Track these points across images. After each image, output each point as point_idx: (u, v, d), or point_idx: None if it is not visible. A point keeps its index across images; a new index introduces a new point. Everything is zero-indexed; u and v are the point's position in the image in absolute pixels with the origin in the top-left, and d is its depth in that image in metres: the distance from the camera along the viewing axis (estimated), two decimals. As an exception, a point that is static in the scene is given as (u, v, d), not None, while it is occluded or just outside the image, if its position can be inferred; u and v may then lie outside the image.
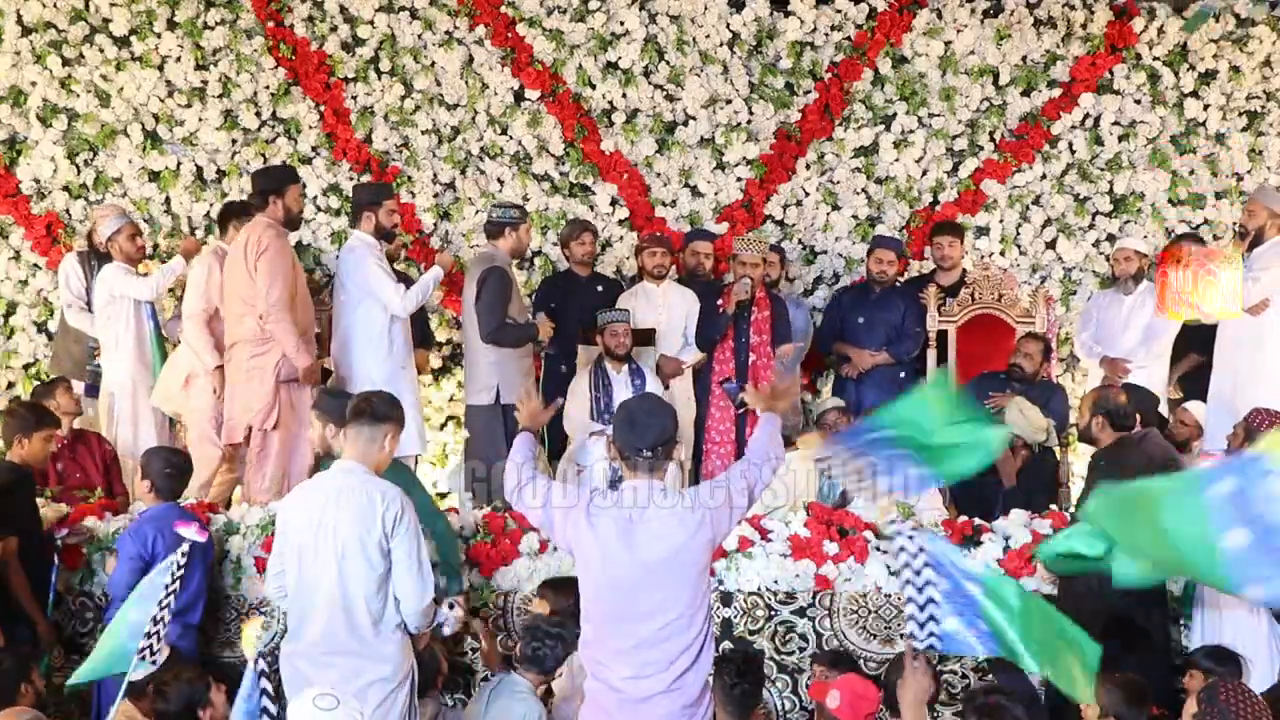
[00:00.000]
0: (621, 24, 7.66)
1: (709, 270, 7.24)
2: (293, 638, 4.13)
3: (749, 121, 7.79)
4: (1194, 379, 6.80)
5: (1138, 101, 7.91)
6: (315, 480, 4.24)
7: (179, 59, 7.44)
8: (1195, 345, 6.84)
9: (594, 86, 7.70)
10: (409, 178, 7.60)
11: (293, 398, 5.76)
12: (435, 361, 7.58)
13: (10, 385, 7.38)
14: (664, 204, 7.79)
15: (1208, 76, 7.92)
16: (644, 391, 6.13)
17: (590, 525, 3.56)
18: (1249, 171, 7.93)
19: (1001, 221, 7.89)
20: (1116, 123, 7.91)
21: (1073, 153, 7.92)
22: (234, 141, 7.52)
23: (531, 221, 6.43)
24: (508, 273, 6.24)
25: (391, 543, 4.05)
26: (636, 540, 3.52)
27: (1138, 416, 5.36)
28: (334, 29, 7.57)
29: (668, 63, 7.73)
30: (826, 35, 7.81)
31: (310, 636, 4.07)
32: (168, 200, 7.48)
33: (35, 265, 7.41)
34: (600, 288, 7.06)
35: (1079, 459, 6.89)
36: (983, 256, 7.76)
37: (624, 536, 3.53)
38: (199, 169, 7.49)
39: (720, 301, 6.74)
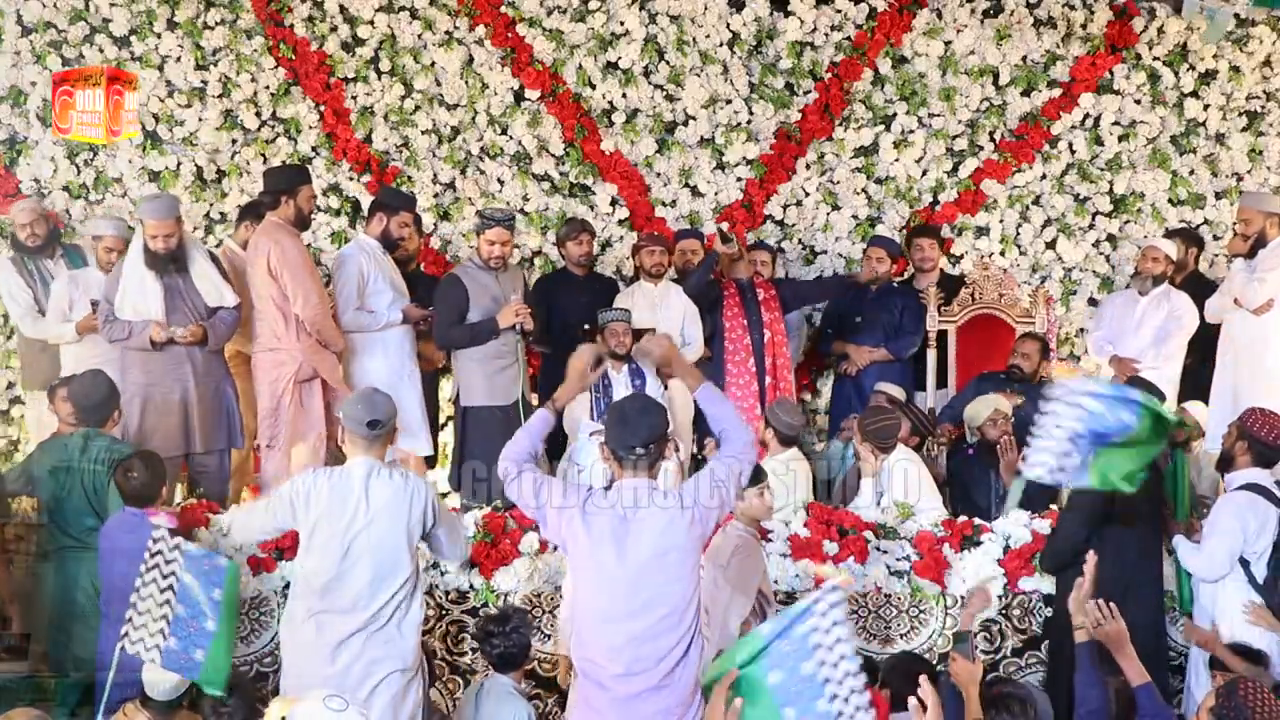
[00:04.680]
0: (621, 24, 7.66)
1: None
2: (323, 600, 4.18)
3: (749, 121, 7.78)
4: (1196, 379, 6.79)
5: (1138, 101, 7.91)
6: (340, 475, 4.24)
7: (179, 59, 7.44)
8: (1200, 346, 6.83)
9: (594, 86, 7.70)
10: (409, 178, 7.59)
11: (302, 397, 5.78)
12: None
13: (10, 385, 7.38)
14: (664, 204, 7.78)
15: (1208, 76, 7.92)
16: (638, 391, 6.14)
17: (585, 524, 3.58)
18: (1249, 171, 7.93)
19: (1001, 221, 7.89)
20: (1116, 123, 7.90)
21: (1073, 153, 7.92)
22: (234, 141, 7.51)
23: (506, 227, 6.25)
24: (459, 278, 6.23)
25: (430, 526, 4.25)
26: (629, 539, 3.54)
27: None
28: (334, 29, 7.56)
29: (668, 63, 7.73)
30: (826, 35, 7.80)
31: (341, 607, 4.14)
32: (168, 200, 7.48)
33: (35, 265, 7.41)
34: (597, 287, 7.06)
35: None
36: (983, 256, 7.76)
37: (617, 535, 3.55)
38: (199, 169, 7.49)
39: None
